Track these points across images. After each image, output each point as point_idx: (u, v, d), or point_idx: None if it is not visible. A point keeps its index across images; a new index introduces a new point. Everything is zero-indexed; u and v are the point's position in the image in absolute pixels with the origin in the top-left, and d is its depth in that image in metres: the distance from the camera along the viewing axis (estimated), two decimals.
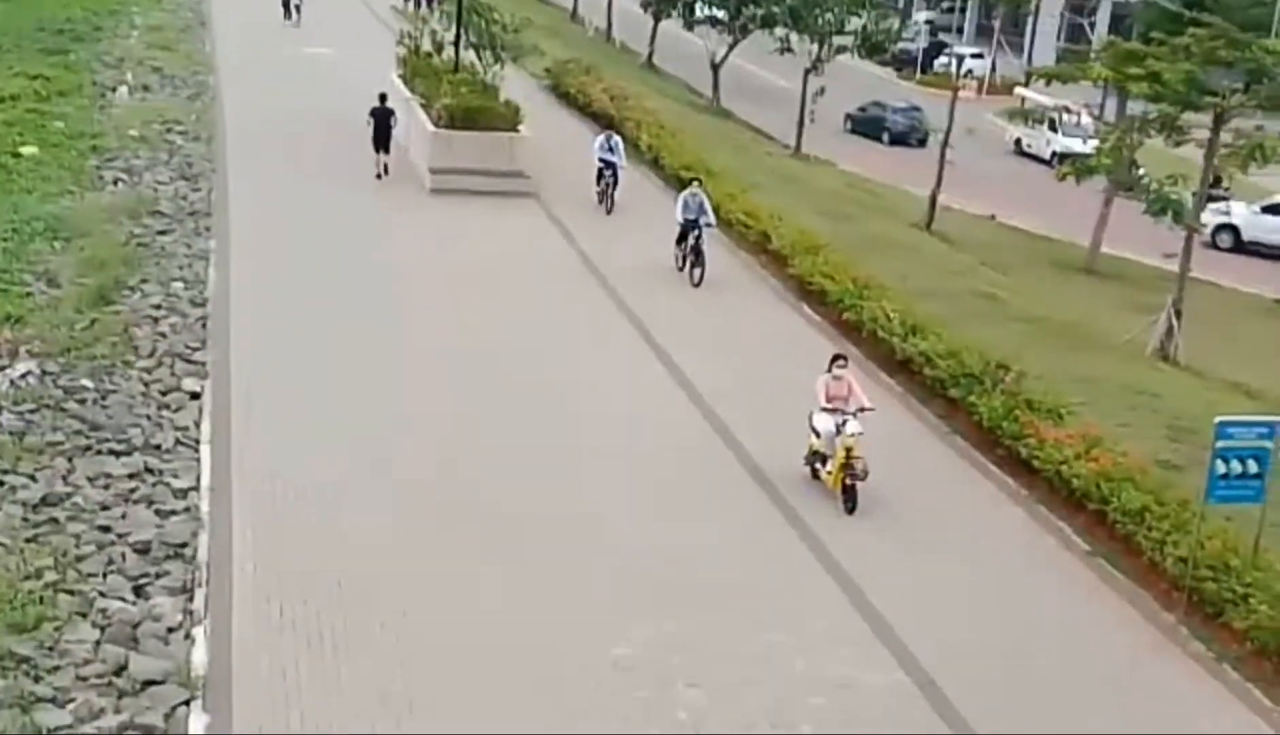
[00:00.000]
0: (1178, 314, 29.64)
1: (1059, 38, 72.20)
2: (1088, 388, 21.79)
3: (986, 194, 46.97)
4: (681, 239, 26.17)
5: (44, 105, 36.31)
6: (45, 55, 44.77)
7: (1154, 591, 15.75)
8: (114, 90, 38.98)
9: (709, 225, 26.15)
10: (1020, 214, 45.05)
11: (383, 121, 31.91)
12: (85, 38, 48.37)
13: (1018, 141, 57.70)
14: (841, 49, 50.90)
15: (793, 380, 19.44)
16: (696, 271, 25.83)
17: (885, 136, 57.06)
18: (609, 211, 30.43)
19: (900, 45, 65.64)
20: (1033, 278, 34.66)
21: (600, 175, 30.74)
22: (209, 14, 54.59)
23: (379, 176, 32.05)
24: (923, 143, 53.13)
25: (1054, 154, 53.00)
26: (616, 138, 31.45)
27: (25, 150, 31.29)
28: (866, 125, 58.09)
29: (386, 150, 32.07)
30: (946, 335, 21.49)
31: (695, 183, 27.06)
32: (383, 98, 32.20)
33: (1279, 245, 44.70)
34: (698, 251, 25.87)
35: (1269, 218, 45.04)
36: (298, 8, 53.85)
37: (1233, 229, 45.10)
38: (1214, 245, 43.87)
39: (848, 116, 58.71)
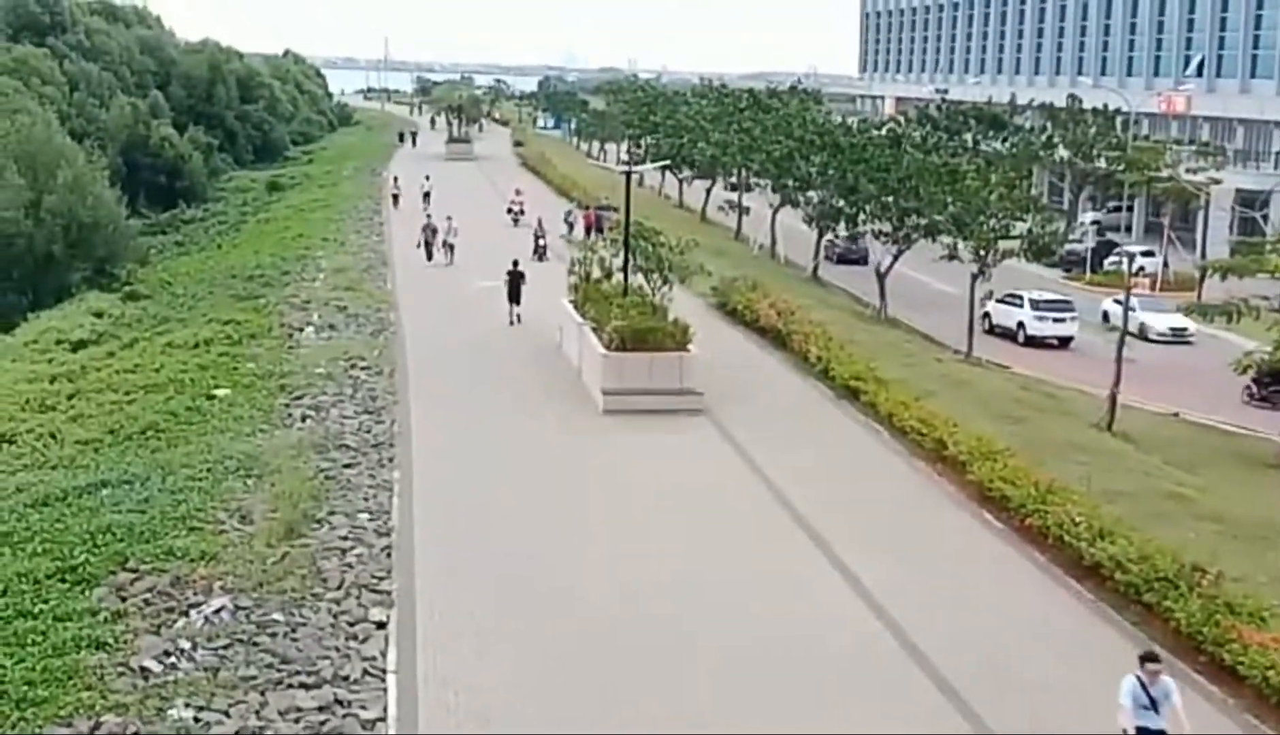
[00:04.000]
0: None
1: (1231, 231, 71.18)
2: None
3: (1167, 391, 46.00)
4: None
5: (236, 348, 38.16)
6: (237, 300, 47.25)
7: None
8: (301, 330, 40.66)
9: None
10: (1204, 409, 43.90)
11: (515, 281, 41.05)
12: (274, 282, 50.90)
13: None
14: (1008, 253, 50.86)
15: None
16: None
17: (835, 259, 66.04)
18: None
19: (1068, 246, 65.62)
20: (1222, 475, 33.51)
21: None
22: (390, 254, 56.91)
23: (511, 323, 40.65)
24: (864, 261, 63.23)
25: None
26: (1169, 680, 15.27)
27: (219, 392, 32.74)
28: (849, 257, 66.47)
29: (518, 302, 41.01)
30: (1136, 538, 20.88)
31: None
32: (515, 263, 41.56)
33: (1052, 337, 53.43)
34: None
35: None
36: (450, 247, 54.30)
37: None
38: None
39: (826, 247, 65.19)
